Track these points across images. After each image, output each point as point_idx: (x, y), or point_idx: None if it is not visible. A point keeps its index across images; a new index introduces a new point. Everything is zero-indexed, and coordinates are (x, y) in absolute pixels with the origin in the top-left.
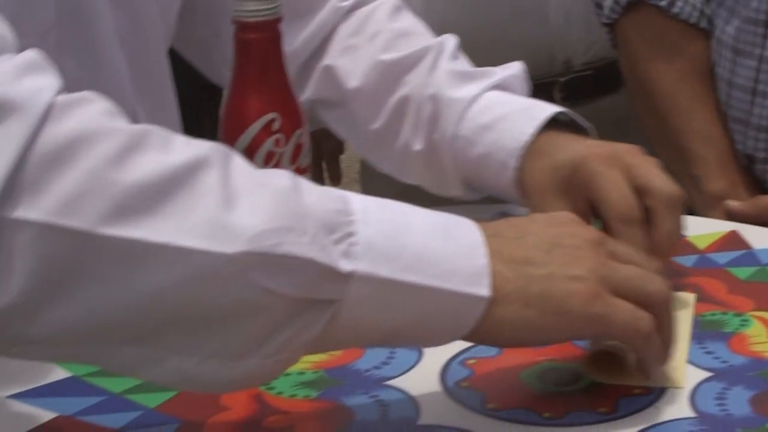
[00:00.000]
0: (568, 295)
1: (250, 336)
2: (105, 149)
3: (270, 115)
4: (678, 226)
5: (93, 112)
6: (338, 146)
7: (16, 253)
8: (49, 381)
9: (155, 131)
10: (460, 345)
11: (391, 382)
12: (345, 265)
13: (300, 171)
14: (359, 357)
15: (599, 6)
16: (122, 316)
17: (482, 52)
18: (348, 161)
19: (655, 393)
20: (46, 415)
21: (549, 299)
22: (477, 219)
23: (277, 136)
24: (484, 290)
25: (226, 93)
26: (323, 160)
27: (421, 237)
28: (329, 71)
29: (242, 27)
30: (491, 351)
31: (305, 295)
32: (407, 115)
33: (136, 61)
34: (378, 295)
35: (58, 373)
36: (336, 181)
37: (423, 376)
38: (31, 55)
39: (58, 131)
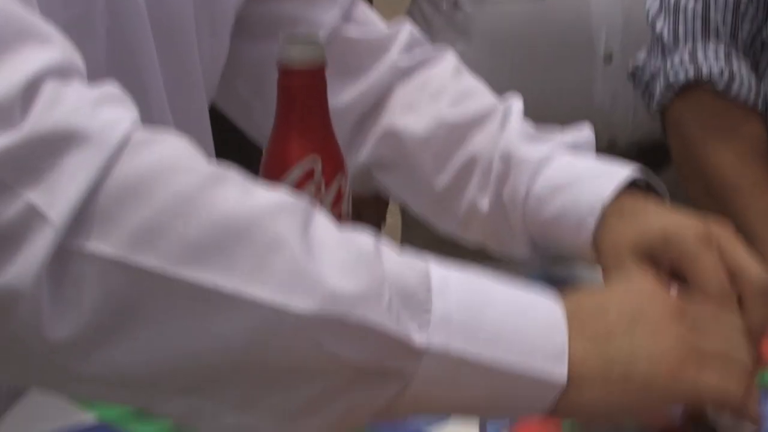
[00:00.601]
0: (653, 375)
1: (311, 400)
2: (183, 185)
3: (311, 160)
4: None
5: (172, 148)
6: (380, 215)
7: (83, 285)
8: (76, 425)
9: (235, 173)
10: None
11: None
12: (419, 339)
13: (340, 217)
14: None
15: (648, 94)
16: (182, 362)
17: None
18: (388, 231)
19: None
20: None
21: (632, 380)
22: (515, 276)
23: (318, 181)
24: (562, 373)
25: (268, 138)
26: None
27: (500, 312)
28: (390, 131)
29: (286, 72)
30: None
31: (373, 365)
32: (474, 174)
33: (181, 113)
34: (450, 371)
35: (87, 417)
36: None
37: (461, 426)
38: (109, 87)
39: (135, 164)
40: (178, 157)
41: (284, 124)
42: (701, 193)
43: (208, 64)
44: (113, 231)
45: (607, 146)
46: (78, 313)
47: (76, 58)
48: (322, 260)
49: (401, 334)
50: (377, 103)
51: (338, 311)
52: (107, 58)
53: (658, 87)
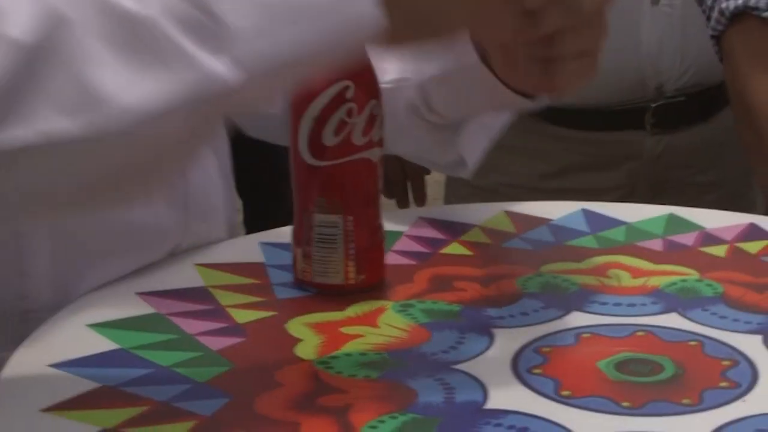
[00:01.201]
0: None
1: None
2: None
3: (343, 83)
4: None
5: None
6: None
7: None
8: (94, 352)
9: None
10: (533, 333)
11: (458, 366)
12: (232, 77)
13: (373, 144)
14: (425, 341)
15: (708, 18)
16: (77, 193)
17: None
18: (432, 181)
19: (743, 387)
20: (88, 385)
21: None
22: None
23: (350, 105)
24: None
25: None
26: (408, 180)
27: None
28: None
29: None
30: (567, 340)
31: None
32: None
33: None
34: (272, 76)
35: (106, 345)
36: (421, 201)
37: (493, 361)
38: None
39: None
40: None
41: None
42: (744, 125)
43: None
44: None
45: (655, 92)
46: None
47: None
48: (106, 75)
49: (209, 91)
50: None
51: (134, 119)
52: None
53: (714, 14)
